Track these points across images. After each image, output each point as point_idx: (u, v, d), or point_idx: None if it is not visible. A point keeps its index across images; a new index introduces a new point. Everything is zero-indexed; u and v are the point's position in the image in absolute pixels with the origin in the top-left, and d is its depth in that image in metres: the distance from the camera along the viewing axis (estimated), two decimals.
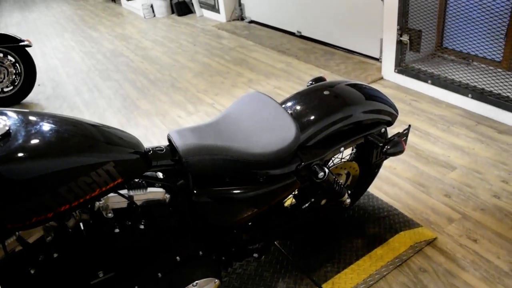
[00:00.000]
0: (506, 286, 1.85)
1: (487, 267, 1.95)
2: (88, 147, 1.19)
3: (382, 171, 2.66)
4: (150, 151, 1.38)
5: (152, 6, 7.36)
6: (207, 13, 6.90)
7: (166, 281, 1.50)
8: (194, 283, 1.52)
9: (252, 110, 1.61)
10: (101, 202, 1.33)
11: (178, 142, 1.41)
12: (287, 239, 2.04)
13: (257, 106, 1.63)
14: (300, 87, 3.97)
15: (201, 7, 6.96)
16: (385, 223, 2.23)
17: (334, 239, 2.16)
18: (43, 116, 1.20)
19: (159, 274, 1.49)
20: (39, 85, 4.91)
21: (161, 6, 7.28)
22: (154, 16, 7.44)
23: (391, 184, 2.57)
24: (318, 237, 2.18)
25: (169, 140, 1.47)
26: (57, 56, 5.97)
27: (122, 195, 1.33)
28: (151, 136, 3.47)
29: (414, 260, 2.03)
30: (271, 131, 1.52)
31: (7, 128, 1.12)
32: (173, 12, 7.38)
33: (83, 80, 4.95)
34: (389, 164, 2.73)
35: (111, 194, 1.34)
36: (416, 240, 2.12)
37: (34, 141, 1.12)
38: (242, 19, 6.41)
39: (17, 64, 4.46)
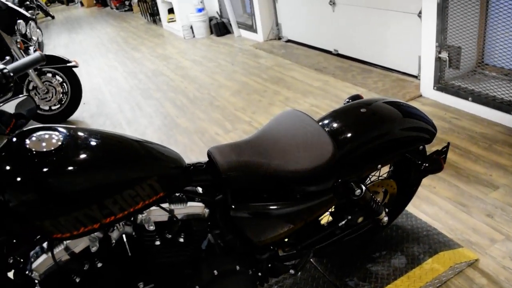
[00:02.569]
0: None
1: None
2: (133, 161, 1.25)
3: (421, 190, 2.62)
4: (191, 166, 1.44)
5: (191, 27, 7.58)
6: (245, 33, 7.04)
7: None
8: None
9: (290, 127, 1.65)
10: (143, 215, 1.38)
11: (218, 158, 1.45)
12: (323, 256, 2.04)
13: (294, 123, 1.66)
14: (337, 105, 3.96)
15: (239, 27, 7.11)
16: (424, 243, 2.19)
17: (371, 258, 2.14)
18: (91, 132, 1.28)
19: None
20: (84, 103, 5.13)
21: (200, 27, 7.49)
22: (194, 36, 7.66)
23: (430, 203, 2.52)
24: (355, 255, 2.17)
25: (209, 156, 1.51)
26: (101, 76, 6.23)
27: (164, 209, 1.39)
28: (190, 153, 3.55)
29: (454, 282, 1.98)
30: (308, 148, 1.54)
31: (59, 143, 1.19)
32: (211, 33, 7.58)
33: (126, 98, 5.14)
34: (428, 182, 2.68)
35: (153, 207, 1.39)
36: (456, 261, 2.07)
37: (84, 155, 1.19)
38: (279, 38, 6.50)
39: (64, 84, 4.69)
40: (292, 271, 1.69)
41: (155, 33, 8.69)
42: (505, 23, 3.23)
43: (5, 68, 1.37)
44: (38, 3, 12.49)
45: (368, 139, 1.64)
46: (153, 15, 9.46)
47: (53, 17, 12.52)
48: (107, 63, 6.92)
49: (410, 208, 2.47)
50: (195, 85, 5.21)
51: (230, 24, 7.20)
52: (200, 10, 7.35)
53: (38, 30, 5.35)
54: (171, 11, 8.48)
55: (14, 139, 1.24)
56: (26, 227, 1.20)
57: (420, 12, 3.81)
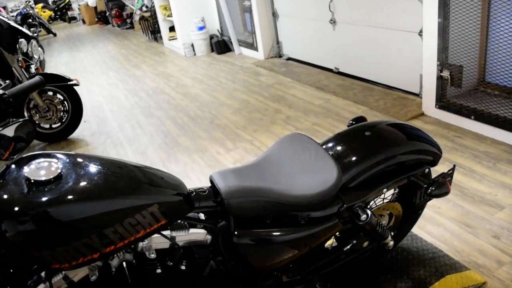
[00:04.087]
0: None
1: None
2: (133, 189, 1.23)
3: (425, 211, 2.57)
4: (192, 192, 1.41)
5: (192, 45, 7.62)
6: (246, 51, 7.07)
7: None
8: None
9: (293, 152, 1.62)
10: (144, 243, 1.35)
11: (220, 184, 1.43)
12: (328, 281, 1.99)
13: (298, 147, 1.64)
14: (339, 124, 3.96)
15: (239, 45, 7.14)
16: (430, 266, 2.14)
17: (376, 282, 2.09)
18: (91, 159, 1.26)
19: None
20: (84, 121, 5.11)
21: (201, 45, 7.52)
22: (195, 54, 7.69)
23: (435, 224, 2.48)
24: (360, 279, 2.12)
25: (211, 182, 1.49)
26: (102, 94, 6.23)
27: (165, 236, 1.36)
28: (190, 172, 3.52)
29: None
30: (312, 172, 1.52)
31: (58, 171, 1.17)
32: (212, 51, 7.61)
33: (126, 117, 5.13)
34: (433, 203, 2.65)
35: (154, 235, 1.36)
36: (463, 284, 2.02)
37: (83, 184, 1.16)
38: (280, 56, 6.53)
39: (65, 102, 4.69)
40: None
41: (156, 51, 8.73)
42: (505, 41, 3.23)
43: (4, 94, 1.35)
44: (40, 20, 12.62)
45: (373, 163, 1.61)
46: (154, 33, 9.52)
47: (55, 35, 12.63)
48: (108, 81, 6.93)
49: (415, 229, 2.43)
50: (196, 103, 5.20)
51: (231, 42, 7.23)
52: (201, 28, 7.39)
53: (39, 48, 5.37)
54: (172, 29, 8.54)
55: (13, 166, 1.22)
56: (24, 257, 1.17)
57: (421, 31, 3.82)
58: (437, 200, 2.66)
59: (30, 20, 11.84)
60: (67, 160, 1.22)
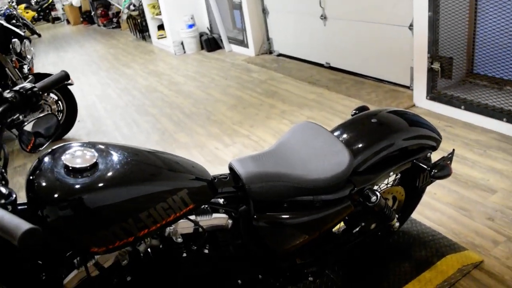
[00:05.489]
0: None
1: None
2: (165, 175, 1.30)
3: (423, 197, 2.69)
4: (215, 178, 1.49)
5: (182, 43, 7.66)
6: (236, 48, 7.14)
7: None
8: None
9: (306, 138, 1.71)
10: (171, 228, 1.42)
11: (241, 170, 1.51)
12: (338, 263, 2.09)
13: (310, 134, 1.73)
14: (333, 117, 4.07)
15: (230, 42, 7.21)
16: (430, 247, 2.26)
17: (381, 264, 2.20)
18: (122, 148, 1.33)
19: None
20: (79, 121, 5.13)
21: (191, 43, 7.57)
22: (185, 52, 7.73)
23: (432, 209, 2.60)
24: (366, 262, 2.23)
25: (231, 169, 1.57)
26: (94, 93, 6.24)
27: (192, 221, 1.43)
28: None
29: (462, 284, 2.05)
30: (326, 157, 1.61)
31: (95, 159, 1.24)
32: (202, 48, 7.66)
33: (121, 115, 5.17)
34: (428, 189, 2.76)
35: (180, 220, 1.43)
36: (463, 263, 2.14)
37: (120, 171, 1.24)
38: (271, 52, 6.62)
39: (59, 102, 4.70)
40: (311, 278, 1.74)
41: (145, 50, 8.74)
42: (492, 33, 3.36)
43: (34, 87, 1.41)
44: (24, 21, 12.47)
45: (381, 148, 1.72)
46: (142, 31, 9.52)
47: (39, 35, 12.48)
48: (99, 80, 6.94)
49: (414, 214, 2.54)
50: (191, 100, 5.26)
51: (221, 40, 7.30)
52: (190, 26, 7.44)
53: (31, 48, 5.37)
54: (161, 27, 8.56)
55: (47, 157, 1.28)
56: (62, 243, 1.24)
57: (411, 25, 3.94)
58: (433, 187, 2.78)
59: (14, 21, 11.71)
60: (101, 149, 1.28)
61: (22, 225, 0.80)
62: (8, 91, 1.38)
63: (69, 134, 4.81)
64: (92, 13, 13.49)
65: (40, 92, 1.42)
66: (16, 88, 1.40)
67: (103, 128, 4.88)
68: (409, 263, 2.17)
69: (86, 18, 13.85)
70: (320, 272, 1.77)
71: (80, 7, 14.04)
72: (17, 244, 0.79)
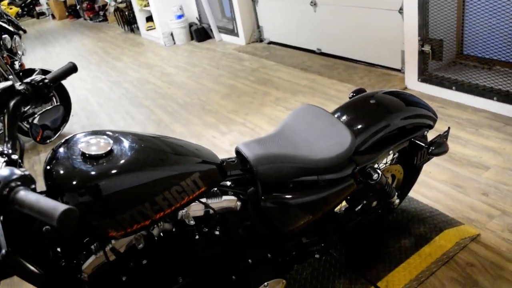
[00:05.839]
0: None
1: None
2: (177, 159, 1.35)
3: (419, 176, 2.78)
4: (224, 162, 1.54)
5: (172, 34, 7.65)
6: (226, 37, 7.15)
7: (240, 283, 1.63)
8: (265, 284, 1.65)
9: (308, 120, 1.77)
10: (183, 211, 1.47)
11: (248, 153, 1.56)
12: (341, 242, 2.16)
13: (312, 116, 1.79)
14: (328, 102, 4.13)
15: (219, 32, 7.21)
16: (429, 223, 2.34)
17: (382, 241, 2.27)
18: (137, 135, 1.37)
19: (234, 277, 1.63)
20: (72, 115, 5.13)
21: (181, 34, 7.56)
22: (174, 43, 7.72)
23: (428, 187, 2.68)
24: (368, 240, 2.30)
25: (237, 153, 1.62)
26: (86, 87, 6.23)
27: (204, 203, 1.48)
28: None
29: (460, 256, 2.13)
30: (329, 138, 1.67)
31: (109, 147, 1.28)
32: (192, 39, 7.65)
33: (115, 108, 5.18)
34: (424, 168, 2.83)
35: (192, 204, 1.48)
36: (461, 236, 2.22)
37: (135, 156, 1.28)
38: (261, 40, 6.64)
39: (53, 97, 4.69)
40: (317, 256, 1.81)
41: (134, 42, 8.71)
42: (480, 14, 3.43)
43: (45, 78, 1.45)
44: (8, 17, 12.31)
45: (381, 127, 1.78)
46: (130, 24, 9.46)
47: (25, 31, 12.32)
48: (89, 74, 6.92)
49: (411, 193, 2.62)
50: (184, 90, 5.28)
51: (211, 29, 7.29)
52: (179, 16, 7.43)
53: (22, 44, 5.33)
54: (149, 19, 8.52)
55: (62, 147, 1.32)
56: (82, 228, 1.28)
57: (401, 8, 4.00)
58: (428, 166, 2.86)
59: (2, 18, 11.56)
60: (115, 137, 1.33)
61: (59, 206, 0.85)
62: (20, 83, 1.41)
63: (64, 129, 4.81)
64: (78, 6, 13.35)
65: (51, 84, 1.45)
66: (27, 80, 1.43)
67: (98, 121, 4.89)
68: (408, 239, 2.25)
69: (72, 12, 13.70)
70: (324, 251, 1.84)
71: (65, 1, 13.88)
72: (56, 224, 0.84)
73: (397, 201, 1.93)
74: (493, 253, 2.11)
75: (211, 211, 1.52)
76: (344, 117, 1.82)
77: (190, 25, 7.62)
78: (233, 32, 6.84)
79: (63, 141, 1.35)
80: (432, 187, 2.67)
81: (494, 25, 3.38)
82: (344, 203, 2.04)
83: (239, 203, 1.59)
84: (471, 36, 3.62)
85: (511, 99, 3.19)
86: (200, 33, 7.45)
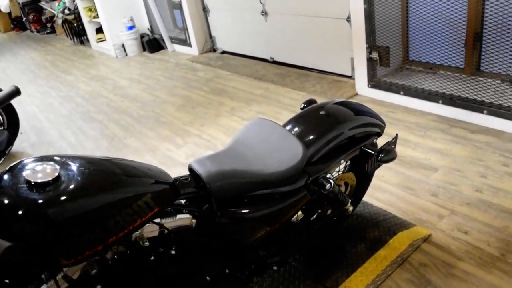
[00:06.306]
0: (500, 269, 2.04)
1: (480, 255, 2.14)
2: (128, 181, 1.33)
3: (372, 180, 2.85)
4: (176, 180, 1.53)
5: (123, 46, 7.51)
6: (179, 48, 7.10)
7: None
8: None
9: (260, 134, 1.79)
10: (137, 233, 1.45)
11: (201, 170, 1.56)
12: (299, 251, 2.19)
13: (264, 130, 1.81)
14: (282, 110, 4.18)
15: (172, 42, 7.16)
16: (383, 226, 2.41)
17: (339, 247, 2.32)
18: (85, 158, 1.34)
19: None
20: (21, 133, 4.93)
21: (133, 45, 7.44)
22: (126, 55, 7.59)
23: (382, 190, 2.76)
24: (324, 247, 2.34)
25: (190, 170, 1.61)
26: (34, 103, 6.01)
27: (158, 224, 1.46)
28: None
29: (414, 257, 2.20)
30: (281, 151, 1.69)
31: (56, 173, 1.24)
32: (144, 50, 7.55)
33: (66, 124, 5.02)
34: (377, 173, 2.91)
35: (146, 225, 1.46)
36: (413, 238, 2.30)
37: (83, 181, 1.25)
38: (214, 50, 6.64)
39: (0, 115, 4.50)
40: (275, 267, 1.82)
41: (84, 54, 8.49)
42: (422, 21, 3.59)
43: None
44: None
45: (331, 138, 1.82)
46: (80, 35, 9.22)
47: None
48: (38, 89, 6.68)
49: (365, 197, 2.68)
50: (137, 103, 5.20)
51: (163, 40, 7.23)
52: (130, 27, 7.31)
53: None
54: (99, 30, 8.34)
55: (6, 174, 1.27)
56: (31, 258, 1.23)
57: (348, 17, 4.11)
58: (381, 170, 2.94)
59: None
60: (62, 162, 1.29)
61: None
62: None
63: (13, 149, 4.61)
64: (24, 18, 12.88)
65: None
66: None
67: (48, 138, 4.72)
68: (364, 243, 2.30)
69: (17, 24, 13.19)
70: (283, 261, 1.85)
71: (9, 13, 13.34)
72: None
73: (351, 208, 1.98)
74: (444, 252, 2.20)
75: (166, 231, 1.50)
76: (295, 129, 1.85)
77: (142, 36, 7.52)
78: (185, 42, 6.81)
79: (7, 168, 1.30)
80: (385, 191, 2.75)
81: (436, 31, 3.54)
82: (300, 213, 2.07)
83: (194, 221, 1.58)
84: (416, 42, 3.77)
85: (455, 102, 3.34)
86: (152, 44, 7.36)
